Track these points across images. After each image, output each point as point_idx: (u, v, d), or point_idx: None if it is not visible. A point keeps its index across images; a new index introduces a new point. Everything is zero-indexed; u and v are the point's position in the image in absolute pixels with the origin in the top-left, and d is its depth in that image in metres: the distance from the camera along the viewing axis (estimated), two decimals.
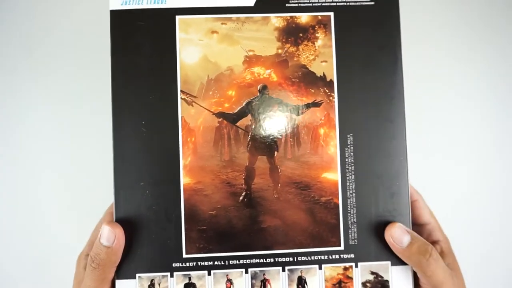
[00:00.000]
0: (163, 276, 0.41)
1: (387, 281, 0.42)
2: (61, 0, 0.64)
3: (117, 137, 0.42)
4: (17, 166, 0.64)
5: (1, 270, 0.64)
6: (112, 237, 0.40)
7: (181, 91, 0.42)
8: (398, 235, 0.41)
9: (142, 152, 0.41)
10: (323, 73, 0.43)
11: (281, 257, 0.42)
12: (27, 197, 0.62)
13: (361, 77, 0.43)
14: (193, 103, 0.42)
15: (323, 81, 0.43)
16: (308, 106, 0.43)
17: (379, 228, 0.42)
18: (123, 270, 0.41)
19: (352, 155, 0.43)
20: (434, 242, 0.46)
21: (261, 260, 0.42)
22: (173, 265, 0.41)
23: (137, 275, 0.41)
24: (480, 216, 0.65)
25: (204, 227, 0.42)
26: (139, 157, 0.41)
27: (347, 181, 0.42)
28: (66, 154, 0.63)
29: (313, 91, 0.43)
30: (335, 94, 0.43)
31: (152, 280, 0.41)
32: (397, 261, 0.42)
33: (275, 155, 0.42)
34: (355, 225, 0.42)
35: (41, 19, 0.65)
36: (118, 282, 0.41)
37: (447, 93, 0.65)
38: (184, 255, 0.41)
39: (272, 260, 0.42)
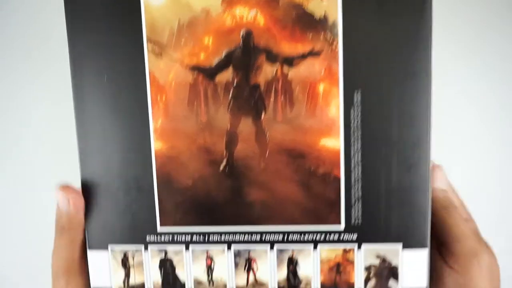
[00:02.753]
0: (137, 250, 0.37)
1: (395, 267, 0.35)
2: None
3: (78, 96, 0.35)
4: (16, 166, 0.63)
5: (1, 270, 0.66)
6: (66, 201, 0.36)
7: (147, 39, 0.34)
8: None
9: (106, 113, 0.35)
10: (324, 13, 0.33)
11: (269, 234, 0.36)
12: (26, 198, 0.61)
13: (375, 18, 0.32)
14: (162, 54, 0.34)
15: (323, 24, 0.33)
16: (304, 56, 0.33)
17: (390, 206, 0.34)
18: (95, 239, 0.37)
19: (359, 117, 0.34)
20: None
21: (246, 237, 0.36)
22: (147, 238, 0.37)
23: (110, 246, 0.37)
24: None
25: (180, 198, 0.36)
26: (103, 119, 0.35)
27: (352, 150, 0.34)
28: (65, 153, 0.60)
29: (310, 37, 0.33)
30: (339, 41, 0.33)
31: (125, 254, 0.37)
32: (411, 243, 0.35)
33: (262, 117, 0.34)
34: (359, 202, 0.35)
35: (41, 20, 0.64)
36: (90, 253, 0.37)
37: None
38: (159, 228, 0.36)
39: (258, 237, 0.36)
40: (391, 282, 0.36)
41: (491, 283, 0.36)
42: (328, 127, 0.34)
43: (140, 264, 0.37)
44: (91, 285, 0.38)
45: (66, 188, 0.37)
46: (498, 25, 0.64)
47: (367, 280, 0.36)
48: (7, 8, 0.65)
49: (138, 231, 0.37)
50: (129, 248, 0.37)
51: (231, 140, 0.35)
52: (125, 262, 0.37)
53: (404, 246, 0.35)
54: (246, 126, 0.35)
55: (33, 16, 0.65)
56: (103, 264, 0.37)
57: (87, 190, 0.36)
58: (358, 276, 0.36)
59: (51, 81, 0.64)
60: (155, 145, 0.35)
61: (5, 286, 0.69)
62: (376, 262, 0.36)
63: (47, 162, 0.65)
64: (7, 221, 0.70)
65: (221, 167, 0.35)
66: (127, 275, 0.37)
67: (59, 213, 0.38)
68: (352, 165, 0.34)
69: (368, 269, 0.36)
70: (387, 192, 0.34)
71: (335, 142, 0.34)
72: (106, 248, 0.37)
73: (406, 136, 0.33)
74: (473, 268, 0.35)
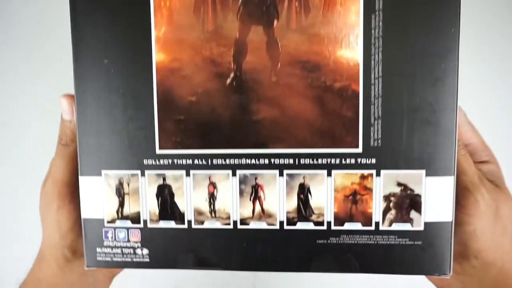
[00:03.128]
0: (133, 175, 0.33)
1: (418, 195, 0.32)
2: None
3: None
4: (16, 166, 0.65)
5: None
6: (71, 111, 0.34)
7: None
8: None
9: (104, 21, 0.32)
10: None
11: (279, 158, 0.32)
12: (24, 198, 0.60)
13: None
14: None
15: None
16: None
17: (413, 127, 0.31)
18: (86, 165, 0.34)
19: (380, 25, 0.31)
20: (479, 164, 0.35)
21: (253, 161, 0.33)
22: (144, 162, 0.33)
23: (103, 171, 0.34)
24: None
25: (182, 117, 0.33)
26: (99, 27, 0.32)
27: (372, 62, 0.31)
28: None
29: None
30: None
31: (120, 179, 0.34)
32: (436, 169, 0.31)
33: (274, 24, 0.32)
34: (379, 121, 0.31)
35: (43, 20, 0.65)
36: (81, 179, 0.34)
37: None
38: (158, 151, 0.33)
39: (266, 161, 0.33)
40: (413, 214, 0.32)
41: (495, 224, 0.33)
42: (347, 36, 0.31)
43: (136, 191, 0.34)
44: (82, 217, 0.34)
45: (71, 97, 0.34)
46: (498, 25, 0.62)
47: (386, 211, 0.32)
48: (10, 8, 0.65)
49: (135, 155, 0.33)
50: (125, 173, 0.34)
51: (240, 50, 0.32)
52: (119, 190, 0.34)
53: (428, 173, 0.32)
54: (256, 35, 0.32)
55: (36, 16, 0.66)
56: (96, 192, 0.34)
57: (80, 108, 0.33)
58: (376, 206, 0.32)
59: (51, 81, 0.64)
60: (157, 57, 0.32)
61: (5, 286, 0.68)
62: (397, 190, 0.32)
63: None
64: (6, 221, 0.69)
65: (228, 81, 0.32)
66: (121, 204, 0.34)
67: (62, 127, 0.35)
68: (372, 79, 0.31)
69: (387, 198, 0.32)
70: (410, 110, 0.31)
71: (353, 53, 0.31)
72: (100, 173, 0.34)
73: (432, 46, 0.30)
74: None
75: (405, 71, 0.31)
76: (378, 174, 0.32)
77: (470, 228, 0.33)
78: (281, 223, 0.33)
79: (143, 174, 0.33)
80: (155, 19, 0.32)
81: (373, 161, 0.32)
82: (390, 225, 0.32)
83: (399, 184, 0.32)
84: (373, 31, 0.31)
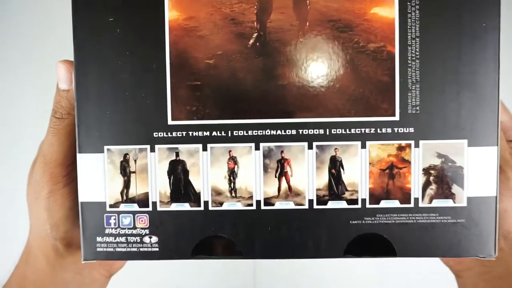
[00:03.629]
0: (141, 150, 0.29)
1: (461, 167, 0.29)
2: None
3: None
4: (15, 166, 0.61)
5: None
6: (69, 78, 0.30)
7: None
8: None
9: None
10: None
11: (307, 129, 0.29)
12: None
13: None
14: None
15: None
16: None
17: (454, 92, 0.28)
18: (86, 140, 0.29)
19: None
20: (509, 142, 0.32)
21: (279, 132, 0.29)
22: (155, 134, 0.29)
23: (106, 147, 0.29)
24: None
25: (198, 82, 0.29)
26: None
27: (409, 20, 0.28)
28: None
29: None
30: None
31: (126, 155, 0.29)
32: (478, 139, 0.29)
33: None
34: (417, 86, 0.28)
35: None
36: (80, 157, 0.29)
37: None
38: (170, 122, 0.29)
39: (294, 132, 0.29)
40: (455, 188, 0.29)
41: None
42: None
43: (144, 169, 0.29)
44: (79, 200, 0.29)
45: (70, 63, 0.29)
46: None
47: (425, 186, 0.29)
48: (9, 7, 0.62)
49: (143, 126, 0.29)
50: (131, 148, 0.29)
51: (264, 8, 0.28)
52: (124, 167, 0.29)
53: (470, 143, 0.29)
54: None
55: (36, 17, 0.63)
56: (97, 171, 0.29)
57: (80, 72, 0.29)
58: (415, 180, 0.29)
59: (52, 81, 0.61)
60: (170, 14, 0.28)
61: None
62: (437, 162, 0.29)
63: None
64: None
65: (251, 42, 0.29)
66: (127, 184, 0.29)
67: (58, 98, 0.30)
68: (409, 39, 0.28)
69: (427, 171, 0.29)
70: (451, 73, 0.28)
71: (389, 11, 0.28)
72: (101, 150, 0.29)
73: (473, 2, 0.28)
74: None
75: (444, 30, 0.28)
76: (416, 145, 0.29)
77: (501, 206, 0.30)
78: (311, 202, 0.29)
79: (152, 149, 0.29)
80: None
81: (411, 130, 0.29)
82: (430, 201, 0.29)
83: (439, 156, 0.29)
84: None
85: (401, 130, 0.29)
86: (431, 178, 0.29)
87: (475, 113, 0.28)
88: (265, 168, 0.29)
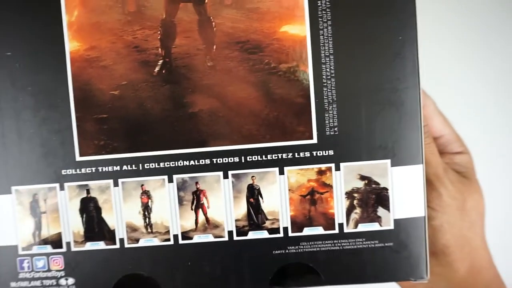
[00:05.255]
0: (50, 189, 0.27)
1: (385, 189, 0.27)
2: None
3: None
4: None
5: None
6: None
7: None
8: None
9: (5, 4, 0.26)
10: None
11: (222, 157, 0.27)
12: None
13: None
14: None
15: None
16: None
17: (374, 109, 0.26)
18: None
19: None
20: (452, 155, 0.30)
21: (192, 162, 0.27)
22: (63, 172, 0.27)
23: (13, 188, 0.27)
24: None
25: (105, 115, 0.26)
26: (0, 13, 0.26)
27: (321, 37, 0.26)
28: None
29: None
30: None
31: (35, 195, 0.27)
32: (402, 159, 0.26)
33: (206, 0, 0.26)
34: (334, 106, 0.26)
35: None
36: None
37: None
38: (78, 158, 0.27)
39: (208, 161, 0.27)
40: (380, 211, 0.27)
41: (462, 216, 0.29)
42: (290, 9, 0.26)
43: (55, 208, 0.27)
44: None
45: None
46: (498, 25, 0.59)
47: (350, 210, 0.27)
48: None
49: (50, 165, 0.27)
50: (40, 187, 0.27)
51: (168, 33, 0.26)
52: (34, 208, 0.27)
53: (394, 163, 0.26)
54: (186, 13, 0.26)
55: None
56: (5, 213, 0.27)
57: None
58: (338, 205, 0.27)
59: None
60: (70, 45, 0.26)
61: None
62: (360, 185, 0.27)
63: None
64: None
65: (156, 69, 0.26)
66: (38, 225, 0.27)
67: None
68: (323, 57, 0.26)
69: (350, 195, 0.27)
70: (369, 91, 0.26)
71: (300, 28, 0.26)
72: (9, 191, 0.27)
73: (388, 15, 0.26)
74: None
75: (360, 45, 0.26)
76: (337, 168, 0.27)
77: (435, 223, 0.28)
78: (230, 233, 0.27)
79: (62, 187, 0.27)
80: (65, 1, 0.26)
81: (331, 152, 0.26)
82: (355, 226, 0.27)
83: (362, 178, 0.27)
84: (319, 2, 0.26)
85: (320, 153, 0.26)
86: (355, 201, 0.27)
87: (397, 131, 0.26)
88: (180, 201, 0.27)
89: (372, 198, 0.27)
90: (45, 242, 0.27)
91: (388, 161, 0.26)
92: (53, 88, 0.26)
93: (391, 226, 0.27)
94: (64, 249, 0.27)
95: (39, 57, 0.26)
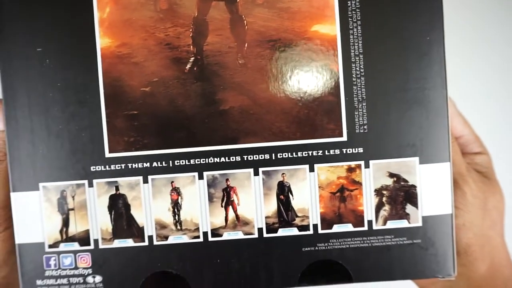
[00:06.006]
0: (78, 186, 0.26)
1: (413, 186, 0.26)
2: None
3: None
4: None
5: None
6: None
7: None
8: None
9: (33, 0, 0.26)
10: None
11: (252, 154, 0.26)
12: None
13: None
14: None
15: None
16: None
17: (403, 108, 0.26)
18: (19, 178, 0.26)
19: None
20: (472, 155, 0.31)
21: (222, 159, 0.26)
22: (92, 169, 0.26)
23: (41, 184, 0.26)
24: None
25: (135, 112, 0.26)
26: (28, 8, 0.26)
27: (351, 36, 0.26)
28: None
29: None
30: None
31: (63, 192, 0.26)
32: (429, 156, 0.26)
33: None
34: (363, 104, 0.26)
35: None
36: (14, 196, 0.26)
37: None
38: (107, 154, 0.26)
39: (238, 158, 0.26)
40: (409, 208, 0.27)
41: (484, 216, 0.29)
42: (321, 9, 0.26)
43: (83, 205, 0.26)
44: (16, 242, 0.27)
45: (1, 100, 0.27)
46: (498, 25, 0.59)
47: (379, 208, 0.27)
48: None
49: (79, 161, 0.26)
50: (68, 184, 0.26)
51: (200, 30, 0.26)
52: (62, 205, 0.26)
53: (422, 161, 0.26)
54: (218, 11, 0.26)
55: None
56: (32, 210, 0.26)
57: (9, 109, 0.26)
58: (367, 202, 0.27)
59: None
60: (101, 42, 0.26)
61: None
62: (390, 182, 0.26)
63: None
64: None
65: (188, 67, 0.26)
66: (66, 222, 0.26)
67: None
68: (353, 56, 0.26)
69: (379, 192, 0.27)
70: (397, 90, 0.26)
71: (330, 28, 0.26)
72: (36, 187, 0.26)
73: (416, 15, 0.26)
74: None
75: (388, 45, 0.26)
76: (367, 165, 0.26)
77: (458, 221, 0.28)
78: (260, 230, 0.27)
79: (91, 184, 0.26)
80: None
81: (361, 150, 0.26)
82: (384, 223, 0.27)
83: (391, 175, 0.26)
84: (349, 2, 0.26)
85: (349, 150, 0.26)
86: (384, 199, 0.27)
87: (425, 129, 0.26)
88: (210, 198, 0.27)
89: (401, 195, 0.26)
90: (72, 239, 0.27)
91: (417, 159, 0.26)
92: (82, 84, 0.26)
93: (420, 223, 0.27)
94: (91, 247, 0.27)
95: (70, 53, 0.26)
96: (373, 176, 0.26)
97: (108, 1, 0.26)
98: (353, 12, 0.26)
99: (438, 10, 0.26)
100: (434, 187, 0.27)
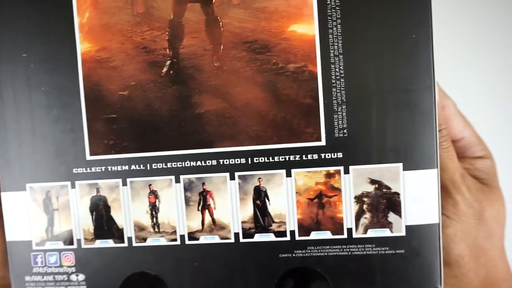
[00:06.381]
0: (62, 187, 0.27)
1: (396, 193, 0.25)
2: None
3: None
4: None
5: None
6: None
7: None
8: None
9: (18, 8, 0.26)
10: None
11: (228, 158, 0.26)
12: None
13: None
14: None
15: None
16: None
17: (385, 111, 0.24)
18: (8, 178, 0.27)
19: None
20: (473, 159, 0.28)
21: (199, 163, 0.26)
22: (74, 171, 0.27)
23: (28, 185, 0.27)
24: None
25: (114, 115, 0.26)
26: (13, 15, 0.26)
27: (330, 36, 0.25)
28: None
29: None
30: None
31: (47, 192, 0.27)
32: (415, 162, 0.25)
33: (213, 0, 0.25)
34: (343, 107, 0.25)
35: None
36: (3, 195, 0.27)
37: None
38: (88, 157, 0.27)
39: (214, 162, 0.26)
40: (391, 216, 0.25)
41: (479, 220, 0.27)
42: (298, 8, 0.25)
43: (67, 206, 0.27)
44: (6, 239, 0.28)
45: None
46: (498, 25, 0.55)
47: (359, 215, 0.25)
48: None
49: (62, 164, 0.27)
50: (53, 185, 0.27)
51: (176, 33, 0.26)
52: (47, 205, 0.27)
53: (406, 167, 0.25)
54: (193, 13, 0.25)
55: None
56: (21, 209, 0.27)
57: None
58: (347, 209, 0.25)
59: None
60: (82, 46, 0.26)
61: None
62: (370, 189, 0.25)
63: None
64: None
65: (164, 70, 0.26)
66: (51, 222, 0.27)
67: None
68: (332, 57, 0.25)
69: (359, 199, 0.25)
70: (380, 91, 0.24)
71: (308, 27, 0.25)
72: (24, 188, 0.27)
73: (400, 12, 0.24)
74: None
75: (370, 44, 0.24)
76: (346, 171, 0.25)
77: (449, 231, 0.26)
78: (236, 235, 0.26)
79: (73, 186, 0.27)
80: (77, 3, 0.26)
81: (340, 155, 0.25)
82: (365, 231, 0.25)
83: (372, 182, 0.25)
84: (328, 0, 0.24)
85: (328, 155, 0.25)
86: (365, 206, 0.25)
87: (410, 133, 0.24)
88: (187, 201, 0.26)
89: (383, 203, 0.25)
90: (57, 238, 0.27)
91: (400, 165, 0.25)
92: (65, 88, 0.26)
93: (403, 233, 0.25)
94: (75, 246, 0.27)
95: (53, 58, 0.26)
96: (353, 182, 0.25)
97: (88, 5, 0.26)
98: (333, 10, 0.24)
99: (425, 6, 0.24)
100: (419, 195, 0.25)
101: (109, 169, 0.27)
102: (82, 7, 0.26)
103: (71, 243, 0.27)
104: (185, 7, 0.25)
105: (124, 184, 0.27)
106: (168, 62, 0.26)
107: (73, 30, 0.26)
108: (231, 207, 0.26)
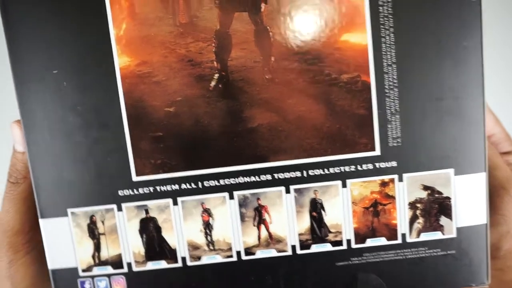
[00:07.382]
0: (108, 210, 0.25)
1: (448, 198, 0.25)
2: None
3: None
4: None
5: None
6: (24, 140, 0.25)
7: None
8: None
9: (47, 21, 0.23)
10: None
11: (283, 172, 0.25)
12: None
13: None
14: None
15: None
16: None
17: (437, 120, 0.24)
18: (47, 204, 0.25)
19: (389, 1, 0.23)
20: (503, 155, 0.29)
21: (253, 178, 0.25)
22: (120, 193, 0.25)
23: (69, 210, 0.25)
24: None
25: (160, 133, 0.24)
26: (42, 29, 0.24)
27: (383, 45, 0.24)
28: None
29: None
30: None
31: (92, 217, 0.25)
32: (465, 167, 0.25)
33: (262, 8, 0.24)
34: (397, 116, 0.24)
35: None
36: (43, 222, 0.25)
37: None
38: (135, 178, 0.25)
39: (269, 177, 0.25)
40: (443, 220, 0.25)
41: None
42: (350, 17, 0.24)
43: (114, 230, 0.25)
44: (49, 267, 0.26)
45: None
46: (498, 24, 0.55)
47: (412, 220, 0.25)
48: None
49: (106, 186, 0.25)
50: (97, 209, 0.25)
51: (223, 44, 0.24)
52: (92, 230, 0.25)
53: (457, 172, 0.25)
54: (241, 23, 0.24)
55: None
56: (63, 236, 0.25)
57: (30, 134, 0.24)
58: (401, 216, 0.25)
59: None
60: (120, 60, 0.24)
61: None
62: (423, 195, 0.25)
63: None
64: None
65: (212, 84, 0.24)
66: (97, 247, 0.25)
67: (13, 161, 0.26)
68: (385, 66, 0.24)
69: (413, 205, 0.25)
70: (431, 100, 0.24)
71: (360, 37, 0.24)
72: (65, 214, 0.25)
73: (449, 21, 0.23)
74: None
75: (423, 53, 0.24)
76: (400, 179, 0.25)
77: (503, 228, 0.27)
78: (293, 247, 0.26)
79: (119, 208, 0.25)
80: (112, 14, 0.23)
81: (394, 164, 0.25)
82: (418, 235, 0.25)
83: (425, 188, 0.25)
84: (380, 8, 0.23)
85: (383, 165, 0.25)
86: (418, 211, 0.25)
87: (460, 140, 0.24)
88: (242, 217, 0.25)
89: (435, 207, 0.25)
90: (105, 263, 0.26)
91: (452, 170, 0.25)
92: (103, 107, 0.24)
93: (454, 234, 0.25)
94: (125, 269, 0.26)
95: (87, 73, 0.24)
96: (407, 189, 0.25)
97: (124, 16, 0.23)
98: (385, 19, 0.23)
99: (476, 15, 0.23)
100: (469, 198, 0.25)
101: (158, 190, 0.25)
102: (118, 18, 0.23)
103: (121, 266, 0.26)
104: (232, 17, 0.24)
105: (175, 203, 0.25)
106: (216, 75, 0.24)
107: (109, 43, 0.24)
108: (287, 220, 0.25)
